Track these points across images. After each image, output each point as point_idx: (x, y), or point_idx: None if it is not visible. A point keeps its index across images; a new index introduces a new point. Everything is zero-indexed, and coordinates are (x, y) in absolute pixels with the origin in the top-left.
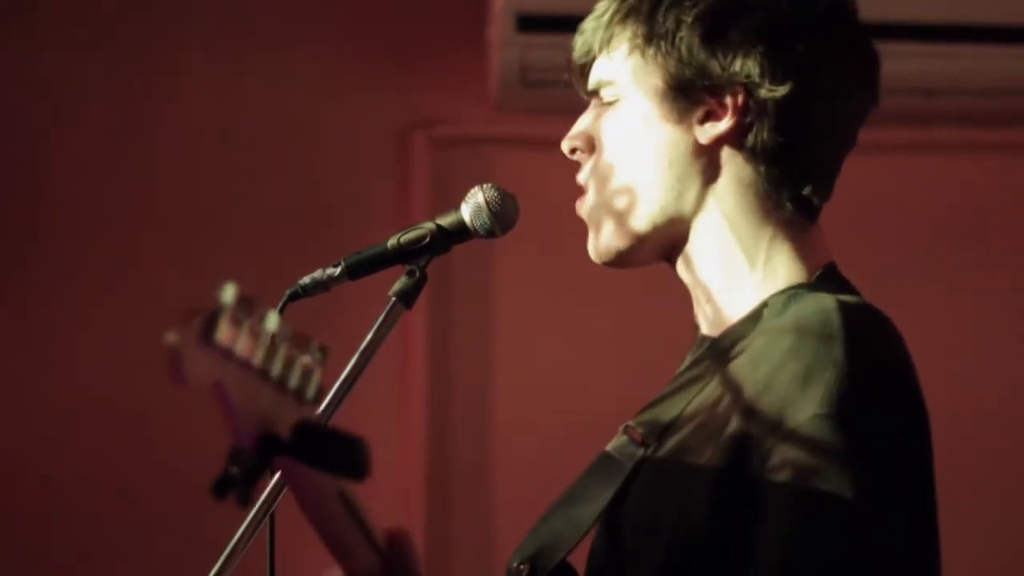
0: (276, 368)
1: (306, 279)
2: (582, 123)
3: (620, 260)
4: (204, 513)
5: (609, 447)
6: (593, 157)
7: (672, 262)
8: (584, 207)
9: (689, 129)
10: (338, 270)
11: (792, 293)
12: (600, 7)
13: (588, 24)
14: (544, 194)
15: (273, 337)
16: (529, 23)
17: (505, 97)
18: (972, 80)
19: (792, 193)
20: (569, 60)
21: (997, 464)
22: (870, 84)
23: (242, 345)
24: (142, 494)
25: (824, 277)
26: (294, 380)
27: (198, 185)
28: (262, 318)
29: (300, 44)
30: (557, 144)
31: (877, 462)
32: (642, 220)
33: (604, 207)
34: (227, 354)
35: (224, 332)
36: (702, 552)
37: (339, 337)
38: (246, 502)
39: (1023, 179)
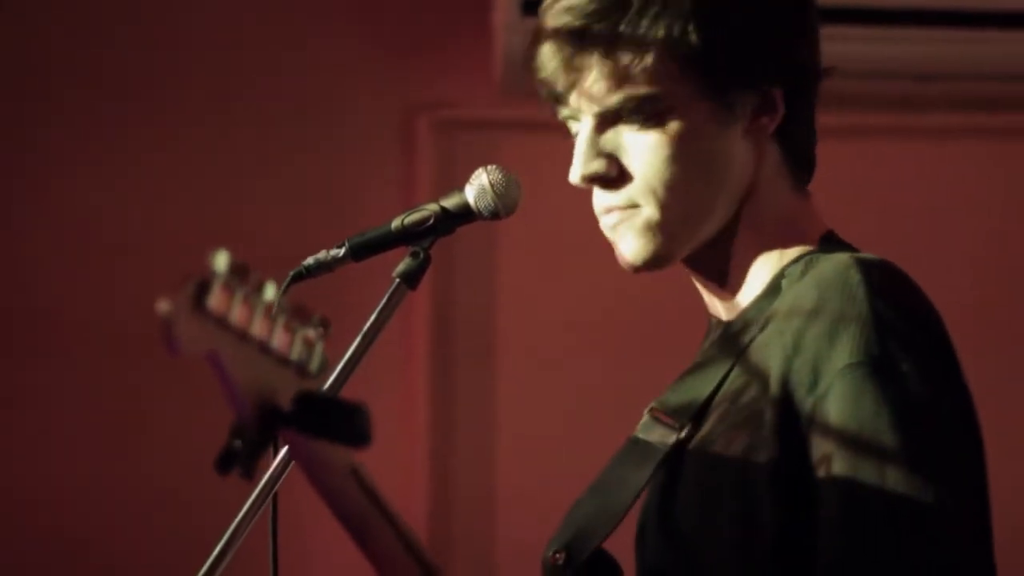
0: (276, 340)
1: (310, 260)
2: (594, 147)
3: (663, 265)
4: (205, 494)
5: (638, 432)
6: (623, 179)
7: (696, 253)
8: (625, 222)
9: (737, 134)
10: (342, 251)
11: (807, 259)
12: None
13: (558, 51)
14: (547, 177)
15: (271, 308)
16: (534, 7)
17: (509, 80)
18: (966, 65)
19: (803, 167)
20: (546, 81)
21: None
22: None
23: (237, 314)
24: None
25: (828, 239)
26: (296, 353)
27: (201, 168)
28: (258, 288)
29: (304, 27)
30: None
31: (918, 409)
32: (699, 230)
33: (660, 222)
34: (222, 323)
35: (217, 300)
36: (768, 525)
37: (342, 318)
38: (250, 476)
39: (1017, 164)
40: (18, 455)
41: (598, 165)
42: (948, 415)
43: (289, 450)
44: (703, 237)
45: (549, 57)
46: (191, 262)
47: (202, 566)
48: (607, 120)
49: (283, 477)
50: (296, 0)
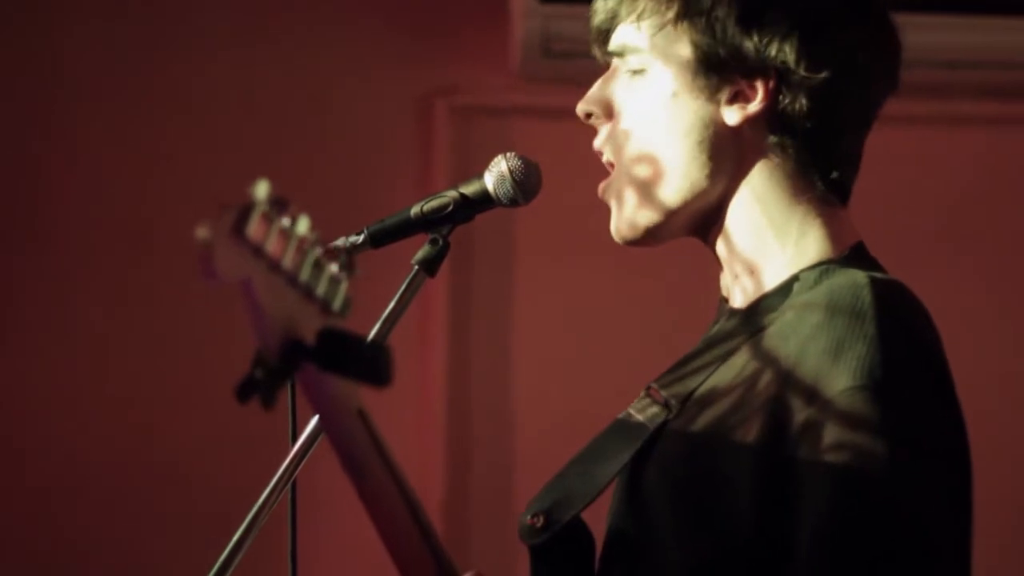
0: (304, 273)
1: (329, 247)
2: (600, 88)
3: (647, 237)
4: (226, 483)
5: (631, 408)
6: (611, 125)
7: (704, 237)
8: (608, 187)
9: (717, 108)
10: (361, 238)
11: (824, 268)
12: None
13: None
14: (565, 164)
15: (303, 241)
16: None
17: (527, 67)
18: (995, 52)
19: (822, 175)
20: (590, 21)
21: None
22: (894, 71)
23: (272, 244)
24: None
25: (853, 255)
26: (322, 288)
27: (220, 155)
28: (294, 220)
29: (322, 14)
30: (578, 114)
31: (912, 436)
32: (672, 197)
33: (631, 184)
34: (257, 251)
35: (255, 228)
36: (743, 530)
37: (361, 305)
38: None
39: None
40: (27, 442)
41: (589, 105)
42: (942, 447)
43: (302, 385)
44: (689, 209)
45: None
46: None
47: (221, 552)
48: (620, 60)
49: (301, 465)
50: None
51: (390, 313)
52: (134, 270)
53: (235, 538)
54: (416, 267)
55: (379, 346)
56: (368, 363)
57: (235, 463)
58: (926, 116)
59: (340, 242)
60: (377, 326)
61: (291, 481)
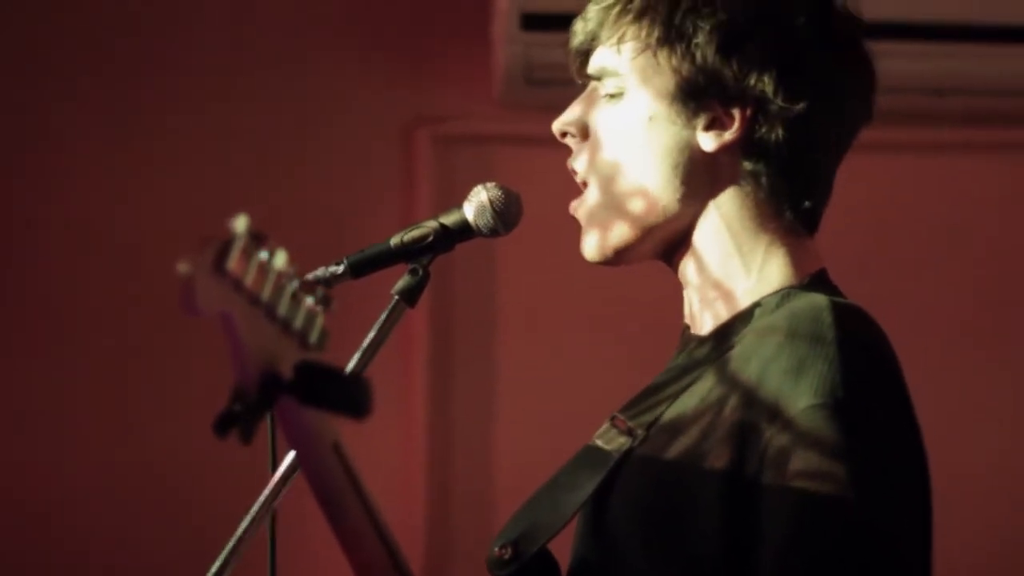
0: (282, 307)
1: (308, 277)
2: (577, 109)
3: (615, 258)
4: (204, 510)
5: (595, 438)
6: (587, 146)
7: (669, 261)
8: (581, 205)
9: (693, 133)
10: (341, 268)
11: (785, 293)
12: None
13: (592, 10)
14: (548, 192)
15: (281, 276)
16: (533, 21)
17: (509, 95)
18: (981, 80)
19: (792, 203)
20: (568, 43)
21: (996, 466)
22: (869, 98)
23: (251, 278)
24: (138, 492)
25: (814, 281)
26: (299, 322)
27: (200, 181)
28: (272, 254)
29: (305, 40)
30: (561, 142)
31: (873, 455)
32: (643, 218)
33: (604, 205)
34: (237, 285)
35: (235, 262)
36: (712, 556)
37: (341, 335)
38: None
39: None
40: (21, 453)
41: (565, 125)
42: (901, 464)
43: (279, 419)
44: (659, 232)
45: (586, 16)
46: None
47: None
48: (598, 83)
49: (281, 494)
50: (296, 13)
51: (370, 344)
52: (124, 282)
53: (215, 567)
54: (396, 297)
55: (358, 378)
56: (347, 395)
57: (216, 489)
58: (914, 143)
59: (320, 272)
60: (357, 356)
61: (271, 509)
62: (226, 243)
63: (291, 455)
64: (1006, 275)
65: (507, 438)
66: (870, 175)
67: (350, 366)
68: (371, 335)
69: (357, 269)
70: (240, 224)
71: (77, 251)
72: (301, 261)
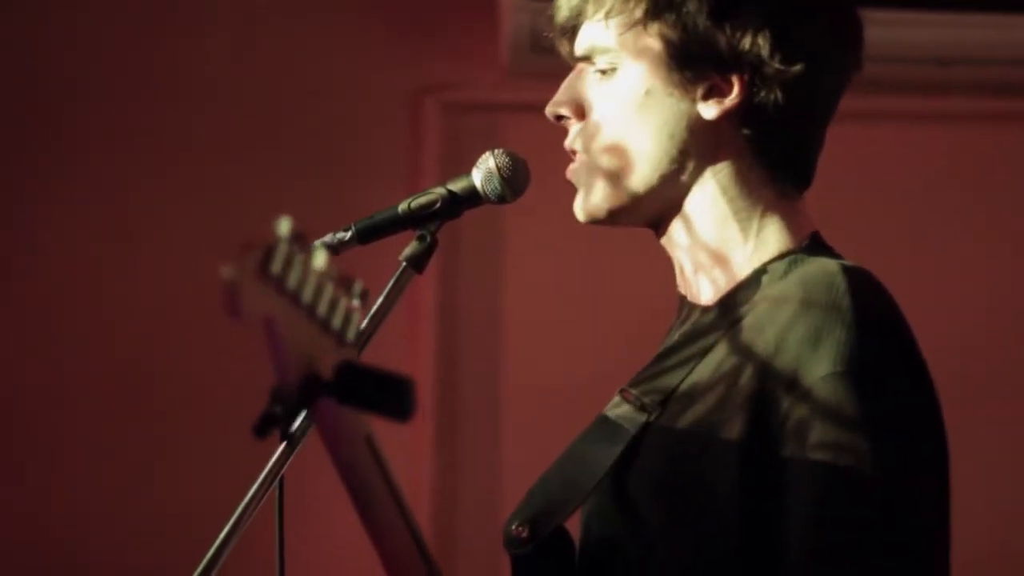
0: (322, 307)
1: (316, 243)
2: (569, 88)
3: (608, 218)
4: (212, 477)
5: (607, 411)
6: (583, 124)
7: (657, 230)
8: (577, 169)
9: (692, 103)
10: (348, 234)
11: (792, 258)
12: None
13: None
14: (554, 159)
15: (320, 275)
16: None
17: (516, 62)
18: (987, 50)
19: (789, 165)
20: (552, 20)
21: (995, 435)
22: (858, 54)
23: (293, 280)
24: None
25: (813, 244)
26: (337, 321)
27: (209, 149)
28: (311, 255)
29: (312, 8)
30: (548, 116)
31: (893, 425)
32: (639, 183)
33: (599, 169)
34: (280, 288)
35: (278, 265)
36: (732, 528)
37: None
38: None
39: None
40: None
41: (559, 107)
42: (921, 426)
43: (314, 417)
44: (654, 196)
45: None
46: (200, 250)
47: (204, 556)
48: (587, 63)
49: (288, 463)
50: None
51: (377, 310)
52: (127, 254)
53: (221, 536)
54: (404, 264)
55: (399, 378)
56: (389, 397)
57: (225, 459)
58: (918, 113)
59: (328, 238)
60: (364, 323)
61: (279, 477)
62: (270, 248)
63: (299, 423)
64: (1014, 245)
65: (516, 402)
66: (875, 145)
67: (361, 326)
68: (379, 302)
69: (364, 235)
70: (284, 227)
71: (77, 250)
72: (309, 227)
